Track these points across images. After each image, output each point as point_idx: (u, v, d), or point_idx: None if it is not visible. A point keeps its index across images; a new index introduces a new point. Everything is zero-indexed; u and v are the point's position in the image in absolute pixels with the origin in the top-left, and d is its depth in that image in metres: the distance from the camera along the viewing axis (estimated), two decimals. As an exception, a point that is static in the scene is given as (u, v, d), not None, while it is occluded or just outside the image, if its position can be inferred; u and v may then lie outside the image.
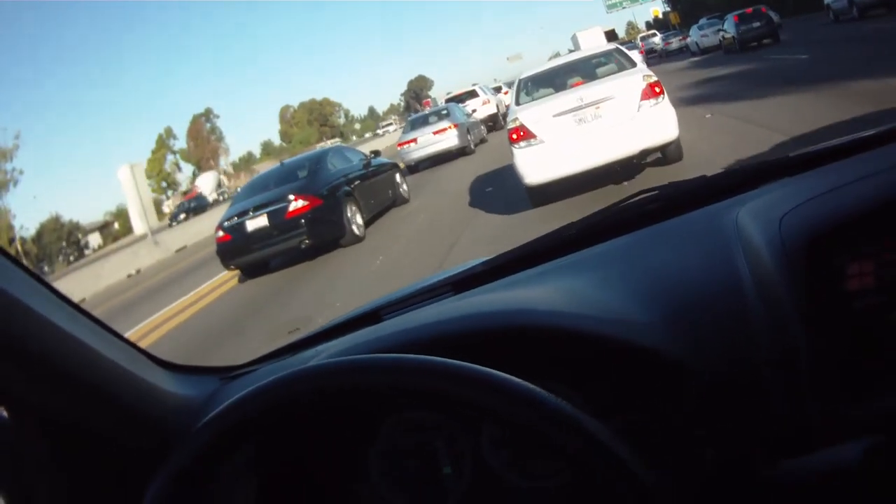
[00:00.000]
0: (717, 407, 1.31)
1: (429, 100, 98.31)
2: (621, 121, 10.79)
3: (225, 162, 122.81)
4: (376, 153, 19.21)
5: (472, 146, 28.36)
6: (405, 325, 1.68)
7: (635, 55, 13.76)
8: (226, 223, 15.48)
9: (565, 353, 1.44)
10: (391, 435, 1.53)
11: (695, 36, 50.26)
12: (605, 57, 13.16)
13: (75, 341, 1.33)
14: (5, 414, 1.31)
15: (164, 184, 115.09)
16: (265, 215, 14.92)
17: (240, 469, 1.46)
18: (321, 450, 1.56)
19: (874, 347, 1.25)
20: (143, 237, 32.18)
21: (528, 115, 11.38)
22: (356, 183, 16.62)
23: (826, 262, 1.29)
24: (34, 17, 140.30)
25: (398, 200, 19.20)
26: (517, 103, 12.35)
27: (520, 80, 13.15)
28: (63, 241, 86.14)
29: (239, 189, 18.61)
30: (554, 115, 11.05)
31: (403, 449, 1.52)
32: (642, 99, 10.82)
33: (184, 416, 1.56)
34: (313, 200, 14.82)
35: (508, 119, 12.06)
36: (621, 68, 12.12)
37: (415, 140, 28.17)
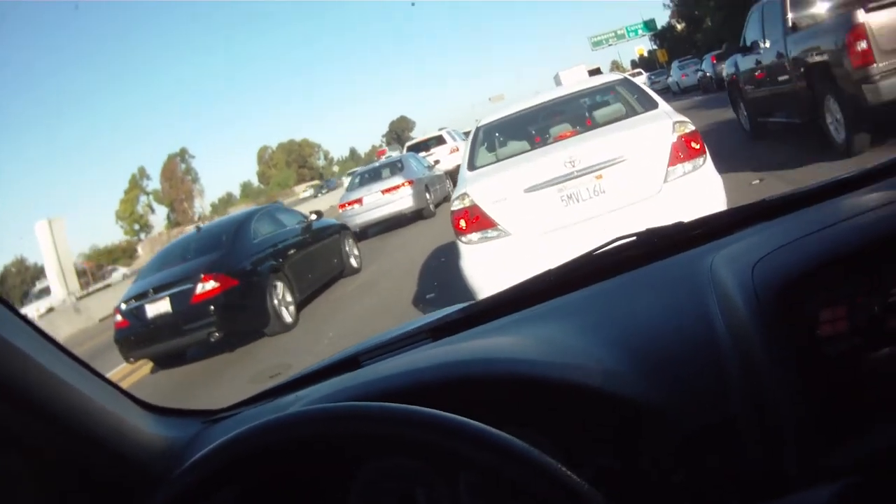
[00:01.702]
0: (693, 454, 1.33)
1: (384, 149, 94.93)
2: (638, 199, 6.61)
3: (200, 204, 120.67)
4: (318, 214, 16.10)
5: (433, 207, 23.85)
6: (383, 371, 1.76)
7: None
8: (123, 306, 12.33)
9: (541, 401, 1.47)
10: (370, 481, 1.49)
11: (675, 75, 49.80)
12: (607, 93, 8.88)
13: (59, 381, 1.39)
14: None
15: (136, 226, 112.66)
16: (167, 299, 11.84)
17: None
18: (301, 495, 1.50)
19: (848, 392, 1.28)
20: (62, 303, 29.20)
21: (484, 188, 7.14)
22: (289, 254, 13.63)
23: (798, 308, 1.34)
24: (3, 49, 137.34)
25: (346, 270, 16.19)
26: (470, 167, 7.94)
27: (477, 130, 8.75)
28: (27, 284, 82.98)
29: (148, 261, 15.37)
30: (527, 190, 6.86)
31: (382, 495, 1.49)
32: (673, 161, 6.60)
33: (166, 459, 1.63)
34: (226, 281, 11.72)
35: (454, 195, 7.56)
36: (634, 111, 7.81)
37: (359, 200, 23.34)
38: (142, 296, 12.16)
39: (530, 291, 2.01)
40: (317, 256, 14.77)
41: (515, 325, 1.85)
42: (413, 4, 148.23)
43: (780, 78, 12.50)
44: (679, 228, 2.01)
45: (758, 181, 10.29)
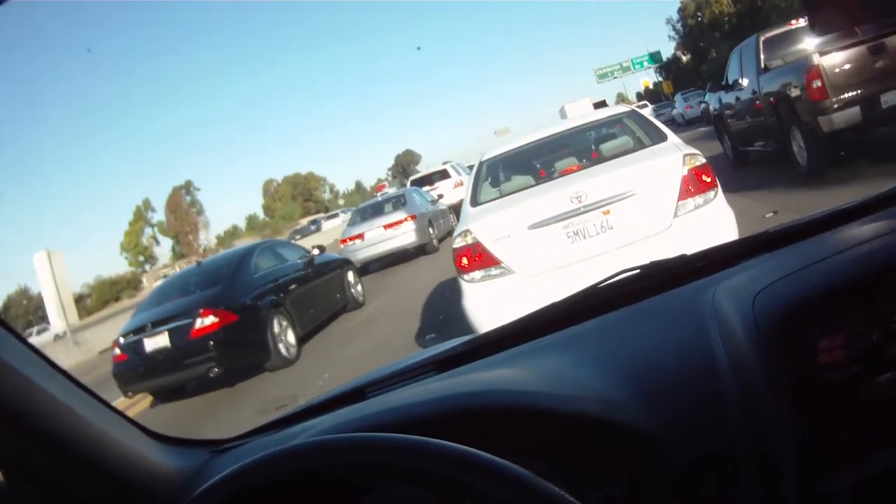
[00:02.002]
0: (692, 483, 1.35)
1: (384, 184, 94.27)
2: (647, 234, 6.37)
3: (206, 236, 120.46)
4: (321, 248, 15.92)
5: (436, 242, 23.26)
6: (389, 403, 1.79)
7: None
8: (122, 339, 12.10)
9: (544, 431, 1.50)
10: None
11: (679, 107, 49.43)
12: (614, 125, 8.67)
13: (68, 410, 1.42)
14: (1, 478, 1.36)
15: (141, 258, 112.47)
16: (166, 333, 11.63)
17: None
18: None
19: (846, 419, 1.31)
20: (62, 336, 28.93)
21: (487, 225, 6.86)
22: (290, 289, 13.43)
23: (798, 338, 1.37)
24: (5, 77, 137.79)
25: (349, 304, 15.93)
26: (473, 202, 7.65)
27: (480, 165, 8.46)
28: (31, 315, 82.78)
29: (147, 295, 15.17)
30: (531, 226, 6.60)
31: None
32: (683, 195, 6.36)
33: (173, 488, 1.65)
34: (226, 316, 11.52)
35: (456, 231, 7.25)
36: (642, 143, 7.56)
37: (361, 236, 22.67)
38: (140, 330, 11.96)
39: (534, 324, 2.03)
40: (319, 291, 14.58)
41: (519, 358, 1.87)
42: (419, 49, 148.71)
43: (756, 111, 14.39)
44: (682, 261, 2.04)
45: (771, 214, 9.85)
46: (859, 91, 11.05)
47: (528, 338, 1.97)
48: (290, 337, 12.67)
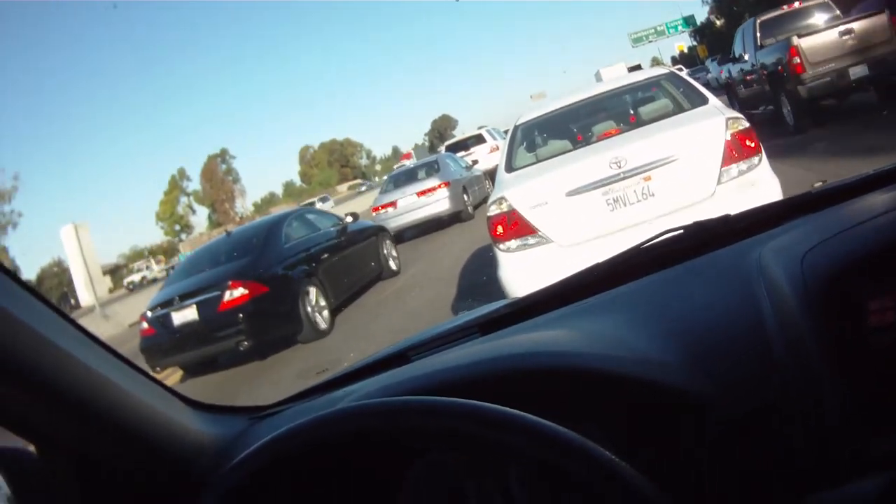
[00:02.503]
0: (741, 444, 1.32)
1: (409, 153, 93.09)
2: (690, 202, 6.08)
3: (242, 204, 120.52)
4: (354, 216, 15.46)
5: (471, 209, 22.53)
6: (433, 366, 1.72)
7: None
8: (149, 313, 11.83)
9: (591, 393, 1.47)
10: (420, 476, 1.51)
11: (714, 72, 49.84)
12: (653, 87, 8.26)
13: (104, 380, 1.38)
14: (34, 451, 1.38)
15: (177, 227, 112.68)
16: (194, 306, 11.35)
17: None
18: (351, 492, 1.51)
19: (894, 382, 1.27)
20: (91, 310, 28.65)
21: (523, 192, 6.55)
22: (323, 258, 13.05)
23: (847, 299, 1.33)
24: (39, 50, 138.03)
25: (384, 273, 15.59)
26: (508, 168, 7.38)
27: (515, 129, 8.19)
28: (64, 286, 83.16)
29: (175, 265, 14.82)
30: (569, 193, 6.29)
31: (432, 490, 1.50)
32: (727, 161, 6.08)
33: (212, 456, 1.61)
34: (256, 288, 11.20)
35: (491, 198, 6.95)
36: (682, 107, 7.24)
37: (393, 204, 22.01)
38: (168, 303, 11.68)
39: (578, 285, 2.01)
40: (352, 260, 14.22)
41: (564, 319, 1.85)
42: (457, 0, 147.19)
43: (755, 81, 17.75)
44: (726, 221, 2.01)
45: (819, 184, 9.57)
46: (832, 66, 14.36)
47: (572, 299, 1.95)
48: (324, 307, 12.32)
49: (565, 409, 1.35)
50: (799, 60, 14.49)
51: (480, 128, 34.35)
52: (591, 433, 1.14)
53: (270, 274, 11.67)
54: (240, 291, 11.10)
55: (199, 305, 11.30)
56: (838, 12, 17.18)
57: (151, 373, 1.86)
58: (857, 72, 14.26)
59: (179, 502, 1.46)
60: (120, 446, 1.42)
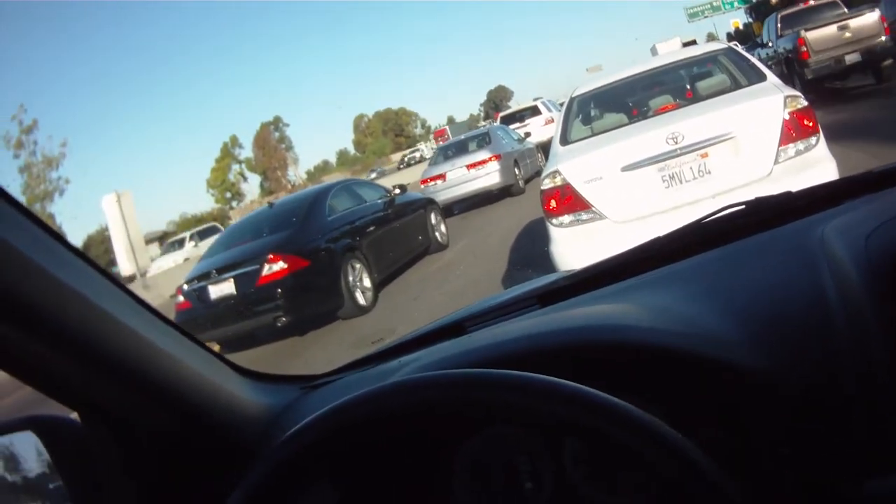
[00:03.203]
0: (802, 426, 1.30)
1: (444, 129, 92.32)
2: (747, 181, 5.92)
3: (294, 172, 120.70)
4: (402, 188, 15.14)
5: (522, 183, 21.89)
6: (491, 339, 1.73)
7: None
8: (185, 286, 11.55)
9: (652, 369, 1.45)
10: (474, 450, 1.51)
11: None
12: (711, 63, 8.14)
13: (153, 346, 1.38)
14: (76, 419, 1.38)
15: (227, 194, 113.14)
16: (232, 280, 11.04)
17: (321, 484, 1.46)
18: (405, 464, 1.53)
19: None
20: (131, 279, 28.46)
21: (577, 166, 6.39)
22: (367, 231, 12.71)
23: None
24: (90, 19, 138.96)
25: (432, 247, 15.23)
26: (563, 141, 7.19)
27: (571, 101, 7.99)
28: (111, 254, 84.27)
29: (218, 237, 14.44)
30: (624, 168, 6.15)
31: (486, 464, 1.50)
32: (785, 140, 5.91)
33: (261, 425, 1.63)
34: (296, 262, 10.85)
35: (545, 172, 6.82)
36: (739, 83, 7.05)
37: (442, 176, 21.35)
38: (205, 276, 11.43)
39: (638, 259, 1.98)
40: (398, 233, 13.88)
41: (624, 293, 1.82)
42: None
43: (774, 63, 20.40)
44: (788, 198, 2.00)
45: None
46: (831, 53, 18.49)
47: (631, 272, 1.92)
48: (367, 282, 12.00)
49: (626, 384, 1.34)
50: (805, 49, 18.72)
51: (536, 99, 33.83)
52: (651, 410, 1.12)
53: (312, 247, 11.36)
54: (279, 265, 10.80)
55: (237, 279, 11.03)
56: (845, 10, 21.11)
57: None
58: (852, 58, 18.60)
59: (227, 472, 1.43)
60: (167, 413, 1.41)
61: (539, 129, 28.48)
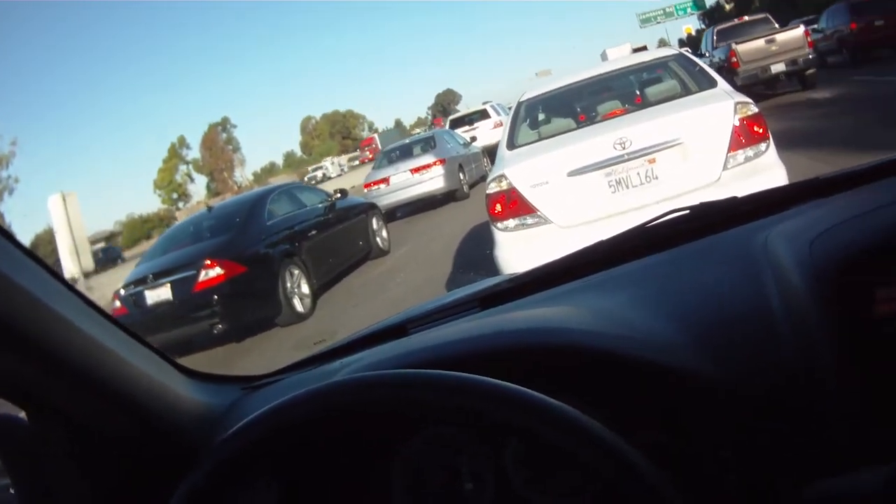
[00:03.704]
0: (744, 429, 1.32)
1: (371, 137, 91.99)
2: (694, 187, 5.85)
3: (241, 173, 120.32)
4: (343, 192, 14.93)
5: (466, 188, 21.98)
6: (433, 340, 1.73)
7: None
8: (122, 291, 11.31)
9: (593, 371, 1.45)
10: (414, 451, 1.53)
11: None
12: (661, 68, 8.10)
13: (98, 344, 1.37)
14: (24, 417, 1.38)
15: (174, 195, 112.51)
16: (168, 285, 10.79)
17: (261, 483, 1.48)
18: (345, 465, 1.54)
19: None
20: (74, 280, 28.14)
21: (523, 170, 6.32)
22: (307, 237, 12.49)
23: (856, 287, 1.32)
24: (37, 17, 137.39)
25: (373, 252, 15.03)
26: (509, 145, 7.08)
27: (518, 105, 7.89)
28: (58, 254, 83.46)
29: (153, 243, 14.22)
30: (571, 173, 6.08)
31: (426, 465, 1.52)
32: (734, 147, 5.90)
33: (205, 425, 1.62)
34: (233, 267, 10.64)
35: (490, 176, 6.73)
36: (690, 89, 7.00)
37: (386, 180, 21.26)
38: (141, 281, 11.16)
39: (581, 262, 2.00)
40: (339, 239, 13.70)
41: (566, 296, 1.84)
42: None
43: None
44: (733, 203, 2.01)
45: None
46: (758, 63, 21.13)
47: (574, 276, 1.94)
48: (305, 289, 11.82)
49: (565, 386, 1.34)
50: (735, 59, 21.42)
51: (485, 103, 34.14)
52: (590, 413, 1.12)
53: (250, 253, 11.19)
54: (216, 271, 10.61)
55: (174, 284, 10.81)
56: (776, 26, 25.02)
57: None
58: (777, 68, 21.35)
59: (173, 471, 1.38)
60: (112, 411, 1.41)
61: (488, 133, 28.27)
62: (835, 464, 1.19)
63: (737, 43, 21.81)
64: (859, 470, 1.15)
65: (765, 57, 21.37)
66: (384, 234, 15.67)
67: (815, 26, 29.71)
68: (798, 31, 21.79)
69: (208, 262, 10.67)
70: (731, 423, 1.33)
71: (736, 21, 27.22)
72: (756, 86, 21.04)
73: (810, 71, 21.84)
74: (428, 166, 21.04)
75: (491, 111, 31.47)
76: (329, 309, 11.92)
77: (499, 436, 1.45)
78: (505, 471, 1.47)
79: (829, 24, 29.01)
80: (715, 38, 26.00)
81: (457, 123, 31.42)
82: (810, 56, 21.57)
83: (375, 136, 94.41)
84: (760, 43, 21.62)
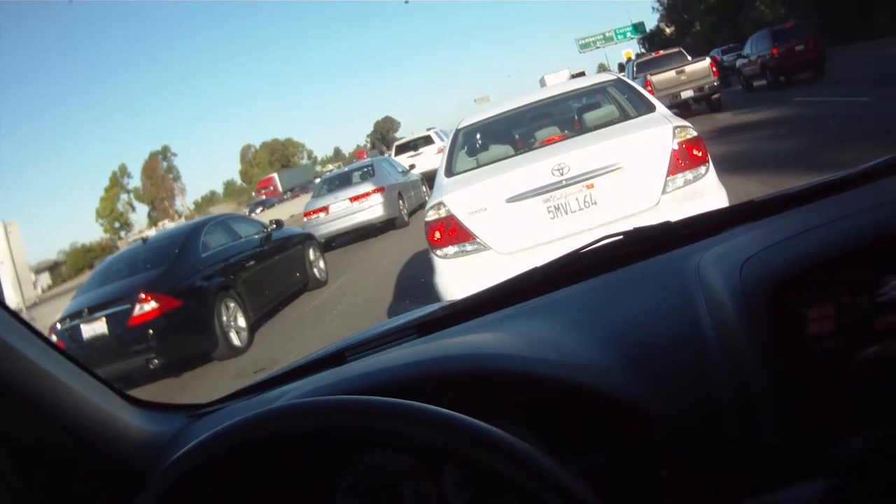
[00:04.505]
0: (678, 450, 1.35)
1: (270, 177, 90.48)
2: (634, 211, 5.91)
3: (182, 202, 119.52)
4: (279, 223, 14.79)
5: (406, 217, 22.15)
6: (370, 367, 1.73)
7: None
8: (59, 325, 11.11)
9: (528, 397, 1.49)
10: (356, 476, 1.52)
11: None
12: (599, 94, 8.14)
13: (44, 373, 1.42)
14: None
15: (116, 224, 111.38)
16: (104, 319, 10.60)
17: None
18: (288, 491, 1.52)
19: (834, 389, 1.32)
20: (17, 311, 27.94)
21: (461, 197, 6.32)
22: (242, 269, 12.41)
23: (786, 307, 1.37)
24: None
25: (311, 283, 14.91)
26: (447, 173, 7.08)
27: (456, 133, 7.86)
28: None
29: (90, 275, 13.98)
30: (509, 200, 6.09)
31: (368, 489, 1.52)
32: (673, 171, 5.93)
33: (149, 453, 1.65)
34: (168, 301, 10.51)
35: (429, 203, 6.70)
36: (628, 114, 7.08)
37: (325, 209, 21.24)
38: (77, 315, 10.96)
39: (516, 289, 2.03)
40: (275, 270, 13.59)
41: (502, 322, 1.87)
42: (406, 2, 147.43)
43: None
44: (666, 228, 2.03)
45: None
46: (670, 90, 24.15)
47: (510, 302, 1.96)
48: (242, 322, 11.70)
49: (501, 412, 1.39)
50: (650, 87, 23.83)
51: (429, 129, 34.25)
52: (525, 437, 1.13)
53: (185, 286, 11.04)
54: (150, 305, 10.47)
55: (109, 318, 10.64)
56: (689, 57, 28.68)
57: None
58: (686, 94, 25.06)
59: (122, 495, 1.46)
60: (58, 438, 1.43)
61: (432, 158, 28.41)
62: (770, 481, 1.25)
63: (651, 74, 25.27)
64: (793, 487, 1.20)
65: (676, 85, 25.13)
66: (321, 264, 15.58)
67: (741, 52, 34.81)
68: (704, 63, 25.89)
69: (143, 295, 10.53)
70: (666, 444, 1.36)
71: (653, 55, 32.69)
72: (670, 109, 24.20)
73: (715, 96, 25.89)
74: (367, 194, 21.11)
75: (435, 137, 31.84)
76: (266, 342, 11.83)
77: (433, 459, 1.45)
78: (445, 495, 1.47)
79: (754, 50, 32.30)
80: (635, 69, 30.14)
81: (402, 149, 31.93)
82: (715, 84, 25.55)
83: (275, 175, 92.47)
84: (672, 74, 25.44)
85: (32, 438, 1.41)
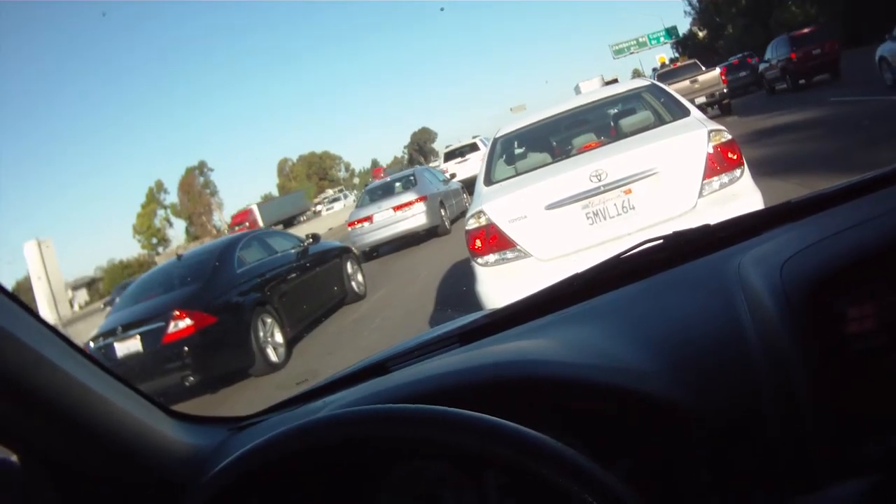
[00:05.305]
0: (722, 452, 1.34)
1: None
2: (671, 215, 5.89)
3: (219, 217, 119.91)
4: (315, 237, 14.57)
5: (448, 224, 22.53)
6: (413, 376, 1.73)
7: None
8: (91, 344, 10.96)
9: (571, 403, 1.49)
10: (398, 484, 1.51)
11: None
12: (634, 99, 8.10)
13: (86, 389, 1.42)
14: (16, 460, 1.41)
15: (154, 240, 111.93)
16: (138, 337, 10.46)
17: None
18: (327, 501, 1.50)
19: (876, 388, 1.30)
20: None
21: (501, 205, 6.29)
22: (279, 284, 12.26)
23: (827, 307, 1.36)
24: (11, 61, 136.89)
25: (349, 297, 14.78)
26: (487, 181, 7.09)
27: (494, 141, 7.91)
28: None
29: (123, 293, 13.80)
30: (549, 206, 6.07)
31: (409, 498, 1.51)
32: (709, 174, 5.92)
33: (191, 466, 1.65)
34: (203, 318, 10.34)
35: (469, 212, 6.68)
36: (663, 119, 7.03)
37: (369, 218, 21.66)
38: (111, 333, 10.82)
39: (558, 295, 2.02)
40: (312, 285, 13.43)
41: (544, 329, 1.85)
42: (442, 9, 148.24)
43: None
44: (705, 231, 2.03)
45: None
46: (685, 97, 23.43)
47: (551, 309, 1.95)
48: (279, 338, 11.55)
49: (545, 418, 1.37)
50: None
51: (475, 137, 36.78)
52: (570, 442, 1.13)
53: (220, 302, 10.87)
54: (185, 322, 10.29)
55: (143, 336, 10.48)
56: (704, 68, 31.81)
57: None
58: (700, 100, 27.34)
59: None
60: (102, 455, 1.43)
61: (478, 164, 28.82)
62: (814, 481, 1.23)
63: (668, 84, 26.38)
64: (838, 485, 1.17)
65: (690, 93, 27.59)
66: (360, 277, 15.51)
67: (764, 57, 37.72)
68: (715, 72, 30.21)
69: (177, 312, 10.36)
70: (708, 446, 1.35)
71: (672, 66, 38.20)
72: None
73: (726, 101, 29.81)
74: (410, 203, 21.49)
75: (480, 144, 33.82)
76: (304, 358, 11.65)
77: (478, 467, 1.43)
78: (487, 501, 1.45)
79: (774, 55, 34.78)
80: (656, 80, 35.38)
81: (450, 156, 34.82)
82: (724, 90, 29.72)
83: (254, 207, 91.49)
84: (686, 83, 28.88)
85: (71, 454, 1.41)
